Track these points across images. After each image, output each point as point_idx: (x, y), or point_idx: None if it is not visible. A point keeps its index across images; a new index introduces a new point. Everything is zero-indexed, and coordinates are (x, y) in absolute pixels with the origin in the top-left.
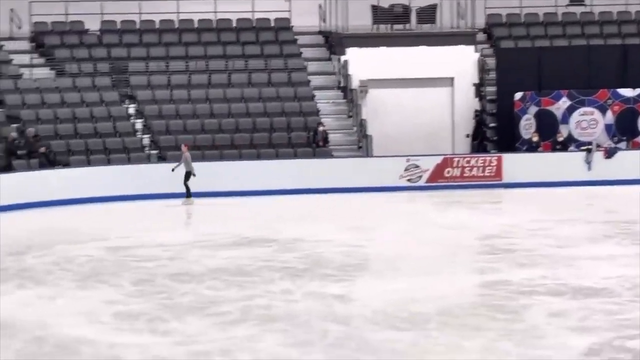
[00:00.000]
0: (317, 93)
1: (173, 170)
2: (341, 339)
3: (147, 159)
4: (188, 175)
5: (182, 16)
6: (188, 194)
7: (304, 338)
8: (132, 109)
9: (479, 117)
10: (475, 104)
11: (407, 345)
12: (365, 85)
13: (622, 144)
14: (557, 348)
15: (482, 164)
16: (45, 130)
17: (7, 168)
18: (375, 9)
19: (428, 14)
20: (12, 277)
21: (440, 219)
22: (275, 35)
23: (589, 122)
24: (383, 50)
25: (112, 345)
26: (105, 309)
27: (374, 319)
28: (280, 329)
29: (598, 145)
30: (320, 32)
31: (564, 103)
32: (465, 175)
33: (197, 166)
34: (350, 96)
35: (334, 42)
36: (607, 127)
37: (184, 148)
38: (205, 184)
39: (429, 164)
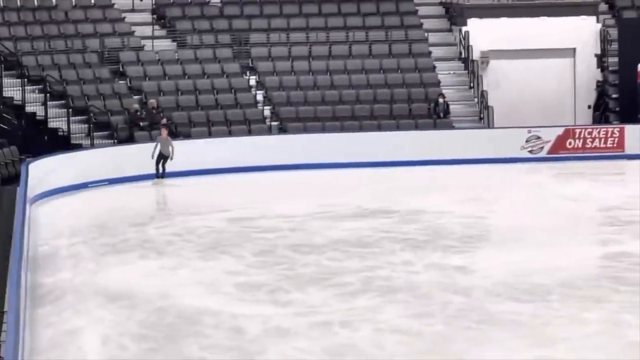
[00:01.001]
0: (437, 64)
1: (153, 157)
2: (462, 311)
3: (268, 131)
4: (162, 157)
5: None
6: (159, 175)
7: (424, 309)
8: (253, 81)
9: (601, 88)
10: (597, 75)
11: (528, 317)
12: (486, 56)
13: None
14: None
15: (604, 135)
16: (167, 102)
17: (129, 139)
18: None
19: None
20: (134, 247)
21: (561, 191)
22: (396, 6)
23: None
24: (504, 21)
25: (234, 316)
26: (226, 280)
27: (495, 291)
28: (401, 300)
29: None
30: (441, 3)
31: None
32: (587, 146)
33: (317, 137)
34: (471, 67)
35: (455, 13)
36: None
37: (163, 131)
38: (326, 155)
39: (550, 135)
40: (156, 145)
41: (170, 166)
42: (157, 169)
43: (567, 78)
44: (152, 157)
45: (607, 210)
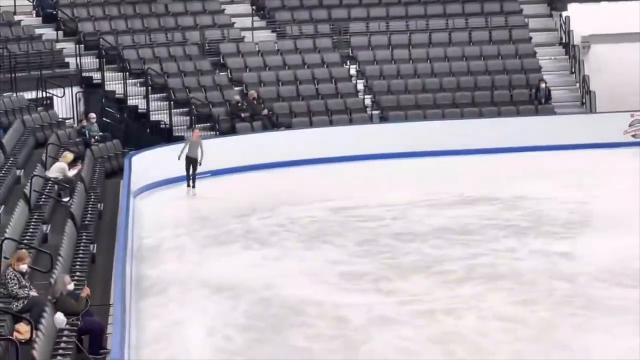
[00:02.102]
0: (538, 50)
1: (179, 158)
2: (567, 297)
3: (370, 119)
4: (191, 161)
5: None
6: (189, 183)
7: (529, 296)
8: (353, 70)
9: None
10: None
11: (634, 302)
12: (588, 40)
13: None
14: None
15: None
16: (268, 93)
17: (231, 131)
18: None
19: None
20: (238, 238)
21: None
22: None
23: None
24: (605, 5)
25: (338, 306)
26: (330, 269)
27: (600, 276)
28: (505, 287)
29: None
30: None
31: None
32: None
33: (418, 126)
34: (572, 52)
35: None
36: None
37: (195, 132)
38: (427, 143)
39: None
40: (184, 147)
41: (273, 157)
42: (188, 176)
43: None
44: (179, 159)
45: None
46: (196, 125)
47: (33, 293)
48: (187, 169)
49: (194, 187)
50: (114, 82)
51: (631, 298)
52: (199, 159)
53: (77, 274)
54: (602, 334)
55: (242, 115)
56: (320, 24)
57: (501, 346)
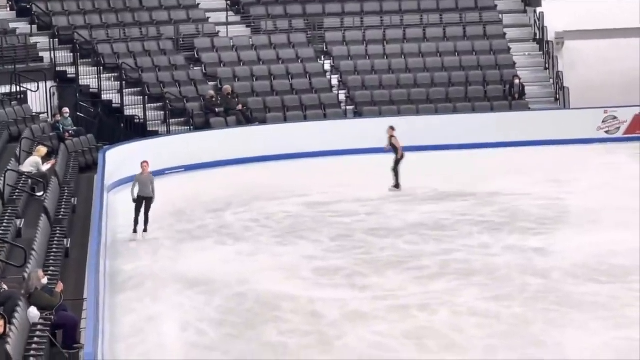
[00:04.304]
0: (512, 46)
1: (133, 200)
2: (541, 292)
3: (344, 115)
4: (143, 201)
5: None
6: (136, 227)
7: (503, 292)
8: (327, 65)
9: None
10: None
11: (607, 298)
12: (562, 37)
13: None
14: None
15: None
16: (242, 88)
17: (205, 126)
18: None
19: None
20: (211, 233)
21: (638, 171)
22: None
23: None
24: (579, 1)
25: (312, 301)
26: (304, 265)
27: (574, 272)
28: (479, 282)
29: None
30: None
31: None
32: None
33: (392, 121)
34: (546, 48)
35: None
36: None
37: (144, 167)
38: (402, 139)
39: (627, 115)
40: (134, 185)
41: (248, 152)
42: (136, 219)
43: None
44: (134, 201)
45: None
46: (145, 161)
47: (4, 287)
48: (137, 210)
49: (145, 230)
50: (88, 77)
51: (605, 294)
52: (152, 197)
53: (51, 268)
54: (576, 330)
55: (217, 110)
56: (294, 19)
57: (475, 341)
